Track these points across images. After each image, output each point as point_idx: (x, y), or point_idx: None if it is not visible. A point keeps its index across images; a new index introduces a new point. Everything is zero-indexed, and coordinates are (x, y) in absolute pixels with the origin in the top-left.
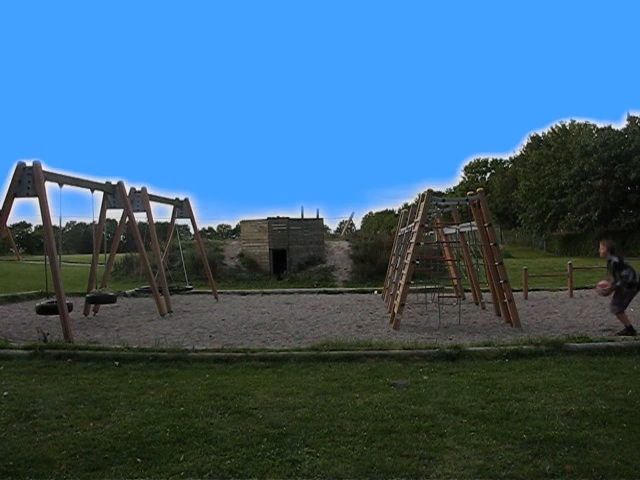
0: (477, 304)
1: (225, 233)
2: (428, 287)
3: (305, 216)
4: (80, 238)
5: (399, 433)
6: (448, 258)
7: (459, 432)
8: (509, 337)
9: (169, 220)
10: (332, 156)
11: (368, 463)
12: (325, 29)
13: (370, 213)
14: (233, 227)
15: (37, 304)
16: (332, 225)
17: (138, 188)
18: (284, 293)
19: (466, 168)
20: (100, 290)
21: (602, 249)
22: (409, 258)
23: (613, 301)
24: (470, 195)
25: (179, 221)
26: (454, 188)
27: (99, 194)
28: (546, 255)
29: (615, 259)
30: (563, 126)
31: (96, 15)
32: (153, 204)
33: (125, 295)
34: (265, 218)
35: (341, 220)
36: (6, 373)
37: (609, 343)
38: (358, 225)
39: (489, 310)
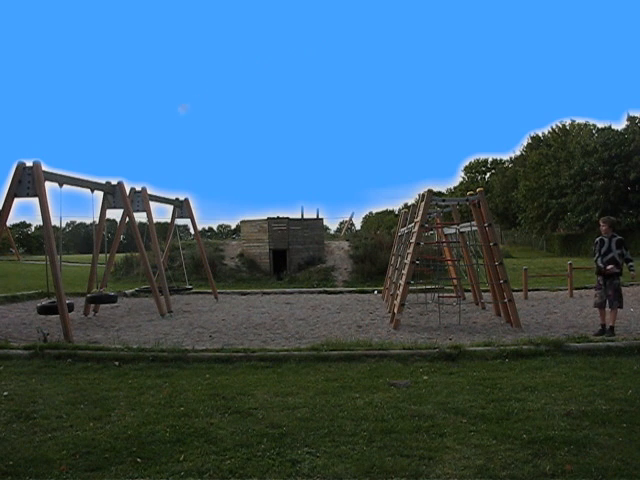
0: (477, 304)
1: (225, 233)
2: (428, 287)
3: (305, 216)
4: (80, 238)
5: (399, 433)
6: (448, 258)
7: (459, 432)
8: (509, 337)
9: (169, 220)
10: (332, 156)
11: (368, 463)
12: (325, 29)
13: (370, 213)
14: (233, 227)
15: (38, 304)
16: (332, 225)
17: (138, 188)
18: (284, 293)
19: (466, 168)
20: (100, 290)
21: (604, 227)
22: (409, 258)
23: (613, 295)
24: (470, 195)
25: (179, 221)
26: (454, 188)
27: (99, 194)
28: (546, 255)
29: (619, 236)
30: (563, 126)
31: (96, 15)
32: (153, 204)
33: (125, 295)
34: (265, 218)
35: (341, 220)
36: (6, 373)
37: (609, 343)
38: (358, 225)
39: (489, 310)
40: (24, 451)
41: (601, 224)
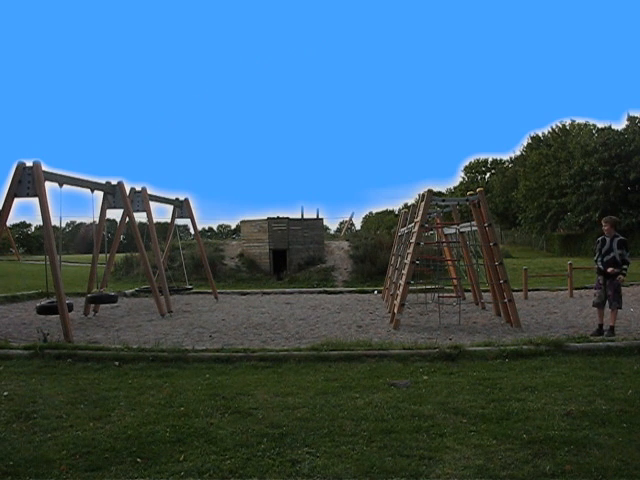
0: (477, 304)
1: (225, 233)
2: (428, 287)
3: (305, 216)
4: (80, 238)
5: (399, 433)
6: (448, 258)
7: (459, 432)
8: (509, 337)
9: (169, 220)
10: (332, 156)
11: (368, 463)
12: (325, 29)
13: (370, 213)
14: (233, 227)
15: (37, 304)
16: (332, 225)
17: (138, 188)
18: (284, 293)
19: (466, 168)
20: (101, 290)
21: (606, 227)
22: (409, 258)
23: (613, 296)
24: (470, 195)
25: (179, 221)
26: (454, 188)
27: (99, 194)
28: (546, 255)
29: (621, 237)
30: (563, 126)
31: (96, 15)
32: (153, 204)
33: (125, 295)
34: (265, 218)
35: (341, 220)
36: (6, 373)
37: (609, 343)
38: (358, 225)
39: (489, 310)
40: (24, 451)
41: (603, 224)
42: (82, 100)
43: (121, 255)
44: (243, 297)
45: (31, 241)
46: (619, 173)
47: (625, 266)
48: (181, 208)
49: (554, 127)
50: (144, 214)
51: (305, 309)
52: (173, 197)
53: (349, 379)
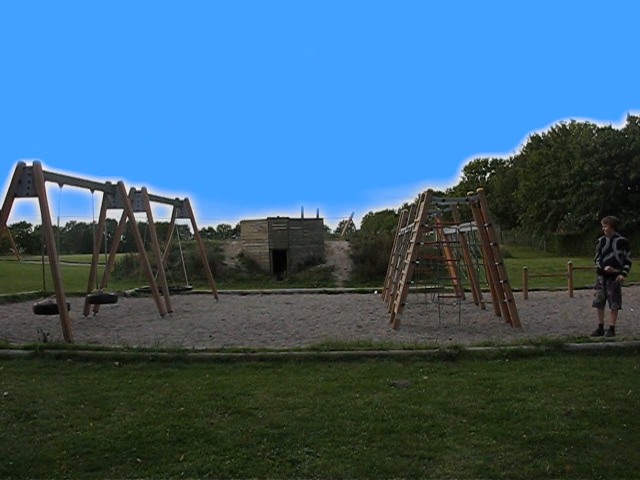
0: (477, 304)
1: (225, 233)
2: (428, 287)
3: (305, 216)
4: (80, 238)
5: (399, 433)
6: (448, 258)
7: (459, 432)
8: (509, 337)
9: (169, 220)
10: (332, 156)
11: (368, 463)
12: (325, 29)
13: (370, 213)
14: (233, 227)
15: (35, 304)
16: (332, 225)
17: (138, 188)
18: (284, 293)
19: (466, 168)
20: (100, 290)
21: (606, 227)
22: (409, 258)
23: (613, 296)
24: (470, 195)
25: (179, 221)
26: (454, 188)
27: (99, 194)
28: (546, 255)
29: (622, 237)
30: (563, 126)
31: (96, 15)
32: (153, 204)
33: (125, 295)
34: (265, 218)
35: (341, 220)
36: (6, 373)
37: (609, 343)
38: (358, 225)
39: (489, 310)
40: (24, 451)
41: (603, 224)
42: (82, 100)
43: (121, 255)
44: (243, 297)
45: (31, 241)
46: (619, 173)
47: (627, 266)
48: (181, 208)
49: (554, 127)
50: (144, 214)
51: (305, 309)
52: (173, 197)
53: (349, 379)
